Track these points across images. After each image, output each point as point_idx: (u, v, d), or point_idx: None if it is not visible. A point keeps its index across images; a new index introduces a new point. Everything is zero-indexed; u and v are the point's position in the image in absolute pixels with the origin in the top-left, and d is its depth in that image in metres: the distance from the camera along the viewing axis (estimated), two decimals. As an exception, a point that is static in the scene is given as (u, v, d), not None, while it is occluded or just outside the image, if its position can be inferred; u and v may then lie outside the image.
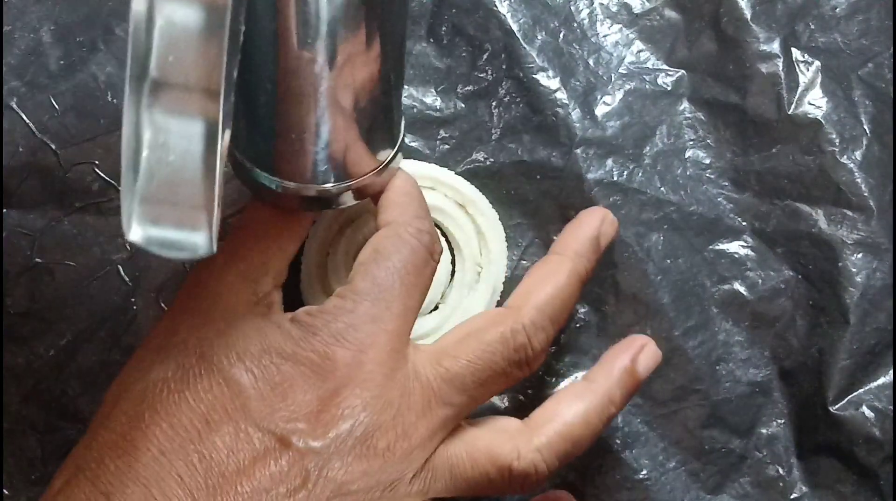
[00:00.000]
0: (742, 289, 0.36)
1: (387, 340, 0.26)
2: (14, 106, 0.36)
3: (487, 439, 0.27)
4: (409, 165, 0.36)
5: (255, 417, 0.25)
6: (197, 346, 0.26)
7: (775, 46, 0.37)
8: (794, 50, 0.37)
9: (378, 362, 0.26)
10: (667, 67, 0.38)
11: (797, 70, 0.37)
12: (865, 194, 0.35)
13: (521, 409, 0.33)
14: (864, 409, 0.34)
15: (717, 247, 0.36)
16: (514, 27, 0.37)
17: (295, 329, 0.27)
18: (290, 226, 0.29)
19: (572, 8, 0.38)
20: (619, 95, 0.37)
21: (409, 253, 0.28)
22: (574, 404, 0.28)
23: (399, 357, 0.27)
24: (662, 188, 0.37)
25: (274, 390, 0.25)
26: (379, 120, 0.28)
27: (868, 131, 0.36)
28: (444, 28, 0.38)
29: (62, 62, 0.37)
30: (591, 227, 0.31)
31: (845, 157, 0.36)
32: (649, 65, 0.38)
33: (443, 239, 0.36)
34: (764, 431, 0.36)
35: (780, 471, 0.35)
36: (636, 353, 0.30)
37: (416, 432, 0.26)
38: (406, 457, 0.26)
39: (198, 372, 0.26)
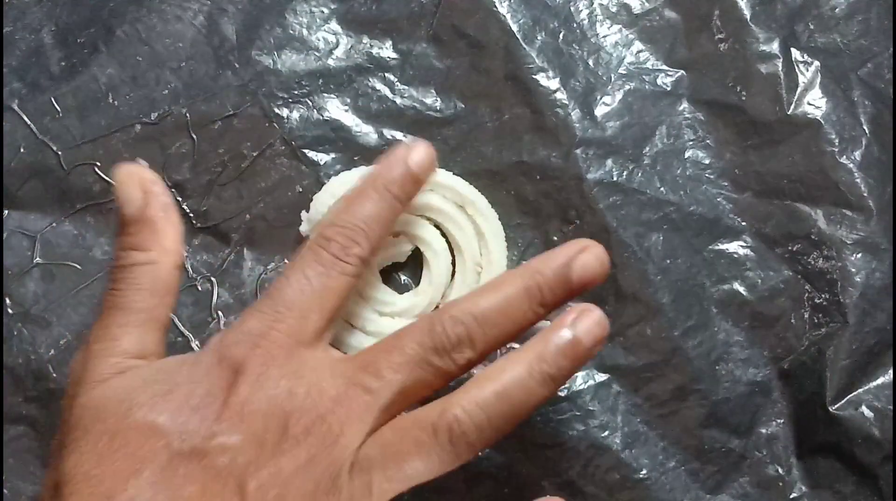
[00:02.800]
0: (742, 289, 0.36)
1: (278, 337, 0.27)
2: (15, 107, 0.37)
3: (415, 411, 0.27)
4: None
5: (175, 446, 0.25)
6: (94, 416, 0.26)
7: (775, 47, 0.37)
8: (793, 50, 0.37)
9: (272, 355, 0.26)
10: (666, 68, 0.38)
11: (797, 70, 0.37)
12: (865, 195, 0.35)
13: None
14: (864, 409, 0.34)
15: (716, 247, 0.36)
16: (514, 27, 0.37)
17: (190, 357, 0.27)
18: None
19: (572, 8, 0.38)
20: (619, 95, 0.37)
21: (307, 262, 0.28)
22: (508, 367, 0.27)
23: (298, 351, 0.27)
24: (662, 188, 0.37)
25: (187, 409, 0.26)
26: None
27: (867, 131, 0.36)
28: (443, 28, 0.38)
29: (63, 64, 0.37)
30: (563, 253, 0.28)
31: (845, 157, 0.36)
32: (649, 65, 0.38)
33: (443, 240, 0.36)
34: (763, 431, 0.36)
35: (780, 471, 0.35)
36: (577, 320, 0.28)
37: (335, 416, 0.26)
38: (334, 443, 0.25)
39: (105, 436, 0.26)
